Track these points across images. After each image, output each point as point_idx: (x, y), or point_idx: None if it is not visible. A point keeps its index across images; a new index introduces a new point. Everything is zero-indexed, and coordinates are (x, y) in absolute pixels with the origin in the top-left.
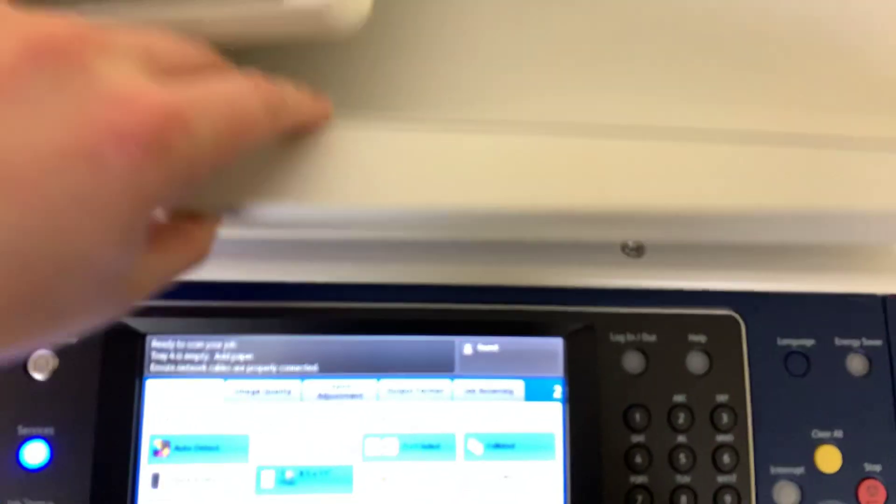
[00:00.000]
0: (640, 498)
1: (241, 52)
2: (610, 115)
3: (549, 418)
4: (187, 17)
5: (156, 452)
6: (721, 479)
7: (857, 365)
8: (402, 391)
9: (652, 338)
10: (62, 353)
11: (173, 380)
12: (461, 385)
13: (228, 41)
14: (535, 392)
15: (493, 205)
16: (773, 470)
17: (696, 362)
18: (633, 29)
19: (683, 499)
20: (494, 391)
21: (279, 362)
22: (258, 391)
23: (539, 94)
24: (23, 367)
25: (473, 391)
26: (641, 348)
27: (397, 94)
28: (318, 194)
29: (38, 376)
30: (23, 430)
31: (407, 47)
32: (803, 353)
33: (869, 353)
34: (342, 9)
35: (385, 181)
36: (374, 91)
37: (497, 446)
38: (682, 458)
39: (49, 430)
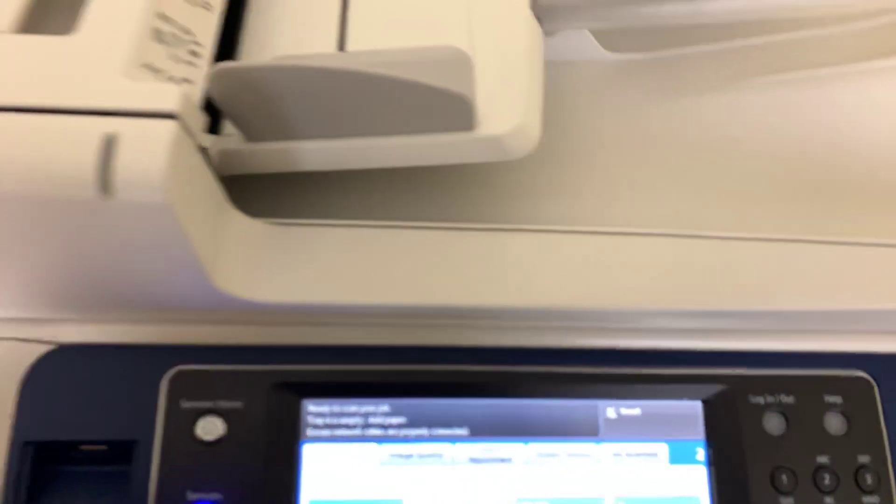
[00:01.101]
0: None
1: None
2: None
3: (694, 481)
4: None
5: None
6: None
7: None
8: (551, 455)
9: (790, 399)
10: (230, 416)
11: (329, 444)
12: (607, 449)
13: (418, 163)
14: (679, 455)
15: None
16: None
17: (835, 423)
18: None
19: None
20: (639, 454)
21: (430, 426)
22: (411, 455)
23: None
24: (191, 431)
25: (620, 455)
26: (781, 410)
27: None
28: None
29: (207, 439)
30: (191, 496)
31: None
32: None
33: None
34: (519, 137)
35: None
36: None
37: None
38: None
39: (216, 495)
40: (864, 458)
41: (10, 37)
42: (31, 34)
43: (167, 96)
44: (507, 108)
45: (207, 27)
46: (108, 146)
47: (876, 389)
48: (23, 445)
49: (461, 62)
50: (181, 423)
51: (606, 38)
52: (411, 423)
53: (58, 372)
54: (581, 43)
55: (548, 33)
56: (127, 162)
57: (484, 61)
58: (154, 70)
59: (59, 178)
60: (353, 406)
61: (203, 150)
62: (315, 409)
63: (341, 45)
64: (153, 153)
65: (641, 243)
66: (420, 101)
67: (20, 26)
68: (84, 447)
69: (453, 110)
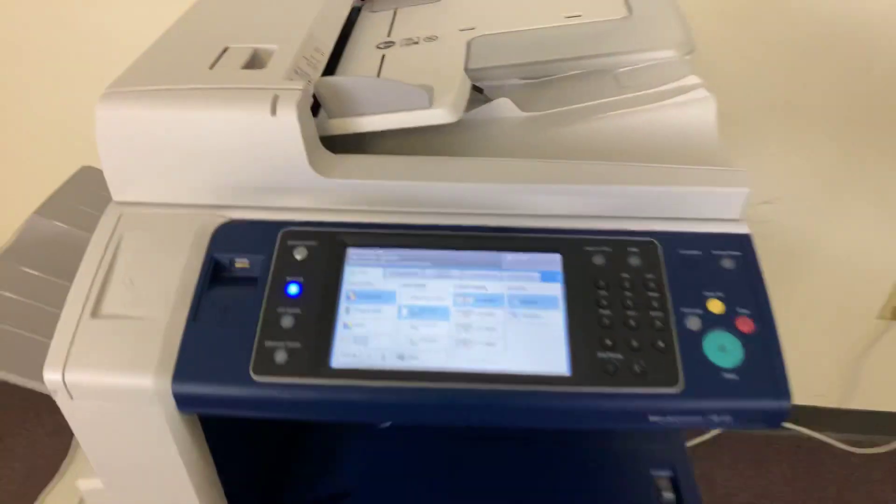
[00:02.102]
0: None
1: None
2: None
3: (554, 290)
4: (395, 117)
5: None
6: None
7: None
8: (478, 276)
9: (609, 249)
10: (310, 248)
11: (359, 266)
12: (507, 274)
13: (406, 125)
14: (547, 278)
15: None
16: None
17: (634, 262)
18: None
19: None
20: (524, 278)
21: (420, 261)
22: (404, 274)
23: None
24: (291, 255)
25: (514, 278)
26: (603, 254)
27: None
28: None
29: (298, 258)
30: (291, 287)
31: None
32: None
33: None
34: (451, 111)
35: None
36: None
37: (527, 302)
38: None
39: (297, 287)
40: (651, 283)
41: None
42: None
43: (301, 84)
44: (446, 99)
45: (324, 57)
46: (275, 101)
47: (659, 248)
48: (210, 261)
49: (431, 90)
50: (286, 251)
51: (521, 104)
52: (405, 259)
53: (228, 232)
54: (507, 106)
55: (476, 81)
56: (284, 103)
57: (440, 82)
58: (301, 73)
59: (252, 111)
60: (372, 249)
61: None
62: (355, 251)
63: (378, 72)
64: (293, 101)
65: (525, 165)
66: (405, 95)
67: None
68: (237, 264)
69: (420, 99)
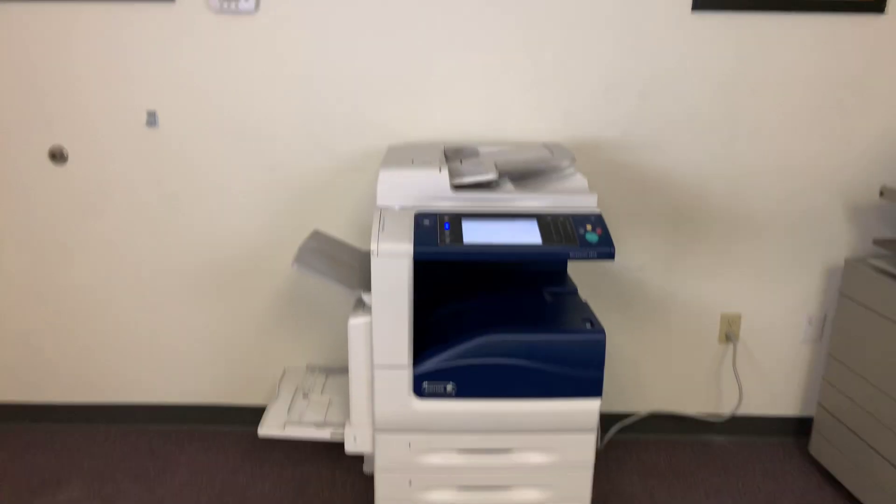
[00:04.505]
0: None
1: None
2: None
3: (532, 228)
4: None
5: None
6: None
7: None
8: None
9: (560, 216)
10: None
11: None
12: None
13: None
14: (528, 224)
15: None
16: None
17: (582, 227)
18: None
19: None
20: (518, 227)
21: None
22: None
23: None
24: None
25: (520, 218)
26: (562, 219)
27: None
28: None
29: None
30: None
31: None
32: None
33: None
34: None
35: None
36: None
37: (524, 228)
38: None
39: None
40: (560, 220)
41: None
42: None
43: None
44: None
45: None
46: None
47: (571, 219)
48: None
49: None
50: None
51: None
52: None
53: (420, 219)
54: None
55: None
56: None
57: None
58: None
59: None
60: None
61: None
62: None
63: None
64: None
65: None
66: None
67: None
68: (426, 222)
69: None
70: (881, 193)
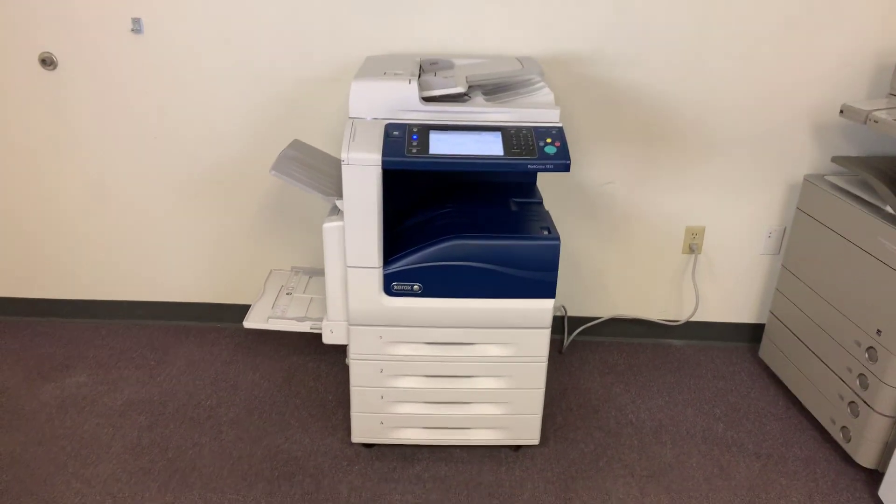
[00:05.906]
0: None
1: None
2: None
3: (496, 141)
4: None
5: None
6: None
7: None
8: (466, 126)
9: (525, 131)
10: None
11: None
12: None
13: None
14: (494, 139)
15: None
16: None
17: (543, 140)
18: None
19: None
20: (486, 138)
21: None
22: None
23: None
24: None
25: (488, 132)
26: (525, 131)
27: None
28: None
29: None
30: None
31: None
32: None
33: None
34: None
35: None
36: None
37: (488, 140)
38: None
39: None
40: (523, 132)
41: None
42: None
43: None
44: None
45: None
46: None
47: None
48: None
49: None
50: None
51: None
52: (449, 129)
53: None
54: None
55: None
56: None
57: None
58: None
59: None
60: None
61: None
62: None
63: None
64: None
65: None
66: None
67: None
68: (395, 133)
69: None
70: (841, 111)
